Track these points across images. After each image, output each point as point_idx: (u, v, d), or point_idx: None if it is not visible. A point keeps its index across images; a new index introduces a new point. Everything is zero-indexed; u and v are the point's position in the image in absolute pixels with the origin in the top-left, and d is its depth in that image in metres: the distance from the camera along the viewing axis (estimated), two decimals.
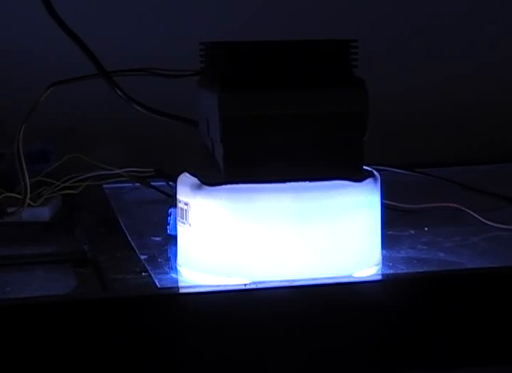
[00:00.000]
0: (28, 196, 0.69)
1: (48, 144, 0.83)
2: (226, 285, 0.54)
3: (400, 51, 1.01)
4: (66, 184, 0.76)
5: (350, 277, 0.56)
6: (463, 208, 0.73)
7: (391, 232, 0.67)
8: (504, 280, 0.56)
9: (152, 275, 0.58)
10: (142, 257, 0.63)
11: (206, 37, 0.62)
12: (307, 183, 0.56)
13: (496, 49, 1.03)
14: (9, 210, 0.71)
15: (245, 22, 0.98)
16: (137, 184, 0.80)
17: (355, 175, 0.57)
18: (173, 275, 0.59)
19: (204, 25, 0.96)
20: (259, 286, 0.54)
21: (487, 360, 0.56)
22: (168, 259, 0.63)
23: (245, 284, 0.54)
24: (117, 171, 0.78)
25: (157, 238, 0.68)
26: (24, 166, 0.68)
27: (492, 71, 1.03)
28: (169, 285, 0.57)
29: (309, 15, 0.99)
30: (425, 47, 1.02)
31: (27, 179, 0.68)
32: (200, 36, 0.63)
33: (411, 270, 0.60)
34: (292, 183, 0.56)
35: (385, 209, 0.61)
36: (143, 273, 0.58)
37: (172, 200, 0.64)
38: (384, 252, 0.61)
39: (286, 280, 0.54)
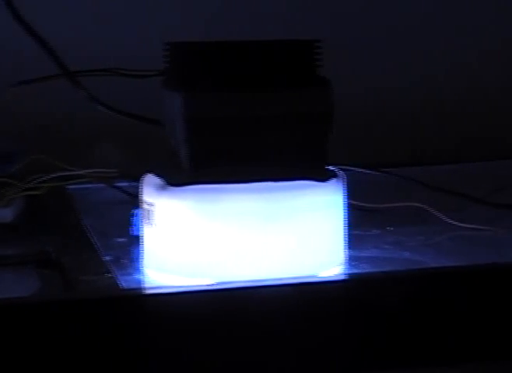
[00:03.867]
0: None
1: (12, 144, 0.83)
2: (191, 286, 0.54)
3: (362, 52, 1.02)
4: (29, 185, 0.76)
5: (315, 276, 0.57)
6: (427, 208, 0.73)
7: (355, 232, 0.67)
8: (467, 279, 0.56)
9: (117, 276, 0.58)
10: (107, 258, 0.62)
11: (170, 37, 0.62)
12: (272, 183, 0.56)
13: (457, 49, 1.04)
14: None
15: (210, 23, 0.98)
16: (101, 185, 0.80)
17: (320, 175, 0.57)
18: (138, 276, 0.59)
19: (168, 25, 0.96)
20: (224, 287, 0.54)
21: (453, 359, 0.56)
22: (133, 260, 0.62)
23: (210, 285, 0.54)
24: (81, 172, 0.78)
25: (122, 239, 0.68)
26: None
27: (455, 71, 1.04)
28: (134, 286, 0.57)
29: (278, 15, 0.99)
30: (390, 46, 1.02)
31: None
32: (164, 36, 0.63)
33: (375, 270, 0.60)
34: (257, 184, 0.56)
35: (350, 209, 0.61)
36: (108, 275, 0.58)
37: (136, 201, 0.64)
38: (348, 251, 0.61)
39: (252, 281, 0.54)
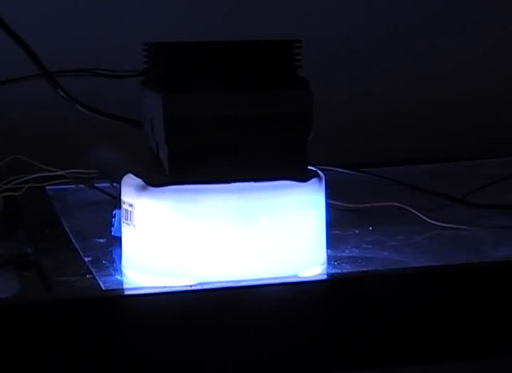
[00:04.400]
0: None
1: None
2: (171, 287, 0.54)
3: (343, 54, 1.02)
4: (8, 186, 0.75)
5: (295, 276, 0.57)
6: (406, 207, 0.74)
7: (335, 232, 0.67)
8: (446, 279, 0.57)
9: (97, 277, 0.58)
10: (86, 259, 0.62)
11: (150, 38, 0.62)
12: (252, 184, 0.56)
13: (436, 49, 1.05)
14: None
15: (190, 23, 0.98)
16: (80, 185, 0.79)
17: (300, 175, 0.57)
18: (118, 277, 0.59)
19: (148, 25, 0.96)
20: (204, 287, 0.54)
21: (429, 358, 0.56)
22: (113, 261, 0.62)
23: (190, 285, 0.54)
24: (60, 172, 0.78)
25: (101, 240, 0.67)
26: None
27: (437, 71, 1.05)
28: (113, 287, 0.57)
29: (264, 15, 0.99)
30: (373, 48, 1.03)
31: None
32: (144, 37, 0.63)
33: (355, 269, 0.61)
34: (237, 184, 0.56)
35: (330, 209, 0.61)
36: (87, 276, 0.58)
37: (116, 202, 0.64)
38: (329, 251, 0.61)
39: (232, 281, 0.54)
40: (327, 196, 0.59)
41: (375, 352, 0.55)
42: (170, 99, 0.56)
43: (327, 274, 0.59)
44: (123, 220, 0.58)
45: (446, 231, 0.70)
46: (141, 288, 0.55)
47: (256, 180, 0.56)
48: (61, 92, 0.67)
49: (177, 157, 0.56)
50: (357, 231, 0.70)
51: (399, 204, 0.74)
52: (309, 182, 0.57)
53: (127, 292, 0.56)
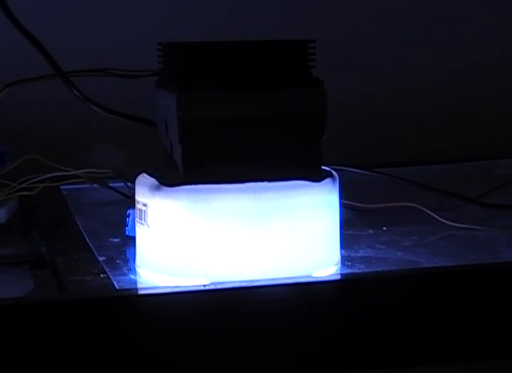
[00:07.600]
0: None
1: (4, 144, 0.83)
2: (185, 286, 0.54)
3: (357, 54, 1.02)
4: (23, 185, 0.76)
5: (309, 276, 0.57)
6: (420, 207, 0.73)
7: (349, 232, 0.67)
8: (460, 279, 0.56)
9: (111, 276, 0.58)
10: (101, 259, 0.62)
11: (164, 38, 0.62)
12: (266, 183, 0.56)
13: (452, 50, 1.05)
14: None
15: (204, 23, 0.98)
16: (95, 185, 0.79)
17: (314, 175, 0.57)
18: (132, 276, 0.59)
19: (162, 25, 0.96)
20: (218, 287, 0.54)
21: (444, 359, 0.56)
22: (127, 261, 0.62)
23: (204, 285, 0.54)
24: (75, 172, 0.78)
25: (115, 240, 0.67)
26: None
27: (451, 70, 1.04)
28: (127, 286, 0.57)
29: (274, 15, 0.99)
30: (385, 47, 1.03)
31: None
32: (158, 37, 0.63)
33: (369, 270, 0.60)
34: (251, 184, 0.56)
35: (344, 209, 0.61)
36: (101, 275, 0.58)
37: (130, 201, 0.64)
38: (342, 251, 0.61)
39: (245, 281, 0.54)
40: (340, 197, 0.59)
41: (389, 353, 0.55)
42: (184, 99, 0.56)
43: (341, 274, 0.59)
44: (137, 219, 0.58)
45: (460, 232, 0.70)
46: (155, 288, 0.55)
47: (270, 180, 0.56)
48: (76, 92, 0.67)
49: (191, 157, 0.56)
50: (371, 232, 0.69)
51: (413, 204, 0.74)
52: (323, 182, 0.57)
53: (141, 292, 0.56)
